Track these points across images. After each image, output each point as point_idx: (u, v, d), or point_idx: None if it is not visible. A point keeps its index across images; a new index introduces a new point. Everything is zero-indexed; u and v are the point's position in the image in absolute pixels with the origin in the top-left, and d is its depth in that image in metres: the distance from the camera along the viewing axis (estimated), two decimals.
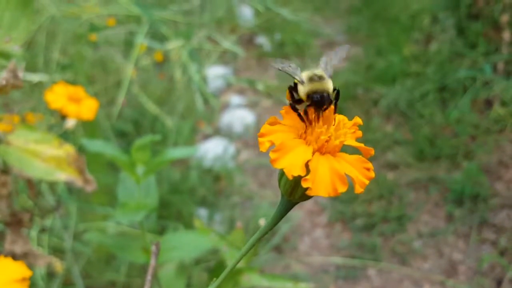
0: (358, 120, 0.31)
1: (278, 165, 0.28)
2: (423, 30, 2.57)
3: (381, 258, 1.74)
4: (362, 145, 0.31)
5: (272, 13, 2.56)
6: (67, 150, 0.43)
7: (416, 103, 2.27)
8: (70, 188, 1.11)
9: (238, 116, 2.29)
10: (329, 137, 0.28)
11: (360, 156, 0.30)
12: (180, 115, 1.92)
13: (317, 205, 1.99)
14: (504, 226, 1.82)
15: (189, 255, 0.48)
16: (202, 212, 1.70)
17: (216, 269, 0.47)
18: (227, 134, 2.23)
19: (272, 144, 0.28)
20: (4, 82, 0.41)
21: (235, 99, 2.45)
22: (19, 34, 0.43)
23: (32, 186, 0.47)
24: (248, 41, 2.78)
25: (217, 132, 2.26)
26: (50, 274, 1.14)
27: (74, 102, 0.54)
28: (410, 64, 2.47)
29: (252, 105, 2.46)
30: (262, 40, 2.77)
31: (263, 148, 0.28)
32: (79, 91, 0.55)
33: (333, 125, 0.30)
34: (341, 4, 3.77)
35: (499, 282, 1.65)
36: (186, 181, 1.74)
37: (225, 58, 2.72)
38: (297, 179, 0.28)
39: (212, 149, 2.03)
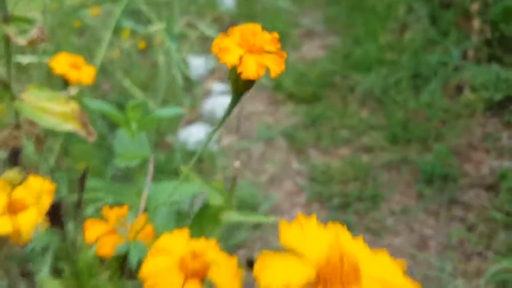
0: (275, 34, 0.44)
1: (222, 60, 0.41)
2: (398, 20, 2.66)
3: (356, 234, 1.84)
4: (277, 49, 0.44)
5: (252, 1, 2.63)
6: (73, 107, 0.50)
7: (391, 89, 2.37)
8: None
9: (220, 102, 2.36)
10: (254, 43, 0.41)
11: (276, 55, 0.44)
12: (163, 100, 1.99)
13: (296, 187, 2.07)
14: (472, 204, 1.93)
15: (177, 198, 0.55)
16: None
17: (201, 209, 0.54)
18: (209, 120, 2.30)
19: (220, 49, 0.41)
20: (35, 36, 0.50)
21: (217, 86, 2.53)
22: (36, 4, 0.51)
23: (40, 141, 0.53)
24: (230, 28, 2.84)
25: (200, 117, 2.33)
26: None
27: (75, 69, 0.61)
28: (385, 52, 2.57)
29: None
30: None
31: (213, 50, 0.41)
32: (79, 59, 0.63)
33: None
34: None
35: (467, 256, 1.76)
36: (170, 162, 1.81)
37: (206, 46, 2.78)
38: (238, 72, 0.38)
39: (195, 134, 2.11)
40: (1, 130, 0.53)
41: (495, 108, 2.24)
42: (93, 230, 0.37)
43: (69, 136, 1.09)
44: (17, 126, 0.51)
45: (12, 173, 0.43)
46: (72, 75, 0.61)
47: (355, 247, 0.24)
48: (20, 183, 0.36)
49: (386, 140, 2.18)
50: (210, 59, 2.64)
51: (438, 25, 2.45)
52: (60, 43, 1.70)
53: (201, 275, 0.31)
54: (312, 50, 2.87)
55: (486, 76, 2.19)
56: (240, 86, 0.45)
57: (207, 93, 2.47)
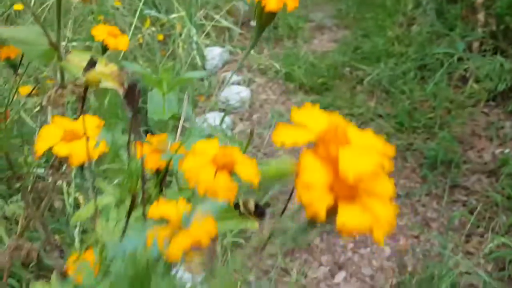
0: None
1: None
2: (406, 14, 2.75)
3: None
4: None
5: None
6: (112, 68, 0.60)
7: (398, 80, 2.46)
8: None
9: (235, 92, 2.47)
10: None
11: None
12: (180, 88, 2.10)
13: None
14: (475, 189, 2.01)
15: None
16: None
17: None
18: (224, 108, 2.41)
19: None
20: None
21: (232, 76, 2.64)
22: None
23: (83, 100, 0.64)
24: (244, 23, 2.95)
25: (215, 106, 2.45)
26: None
27: (113, 37, 0.72)
28: (393, 45, 2.66)
29: (247, 82, 2.65)
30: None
31: None
32: (115, 29, 0.74)
33: None
34: None
35: (468, 237, 1.85)
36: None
37: (222, 39, 2.90)
38: (262, 6, 0.49)
39: (210, 121, 2.22)
40: (49, 89, 0.64)
41: (499, 98, 2.32)
42: (139, 149, 0.47)
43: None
44: (63, 86, 0.62)
45: (108, 68, 0.54)
46: (110, 42, 0.72)
47: (347, 125, 0.34)
48: (97, 85, 0.45)
49: (392, 128, 2.27)
50: (225, 51, 2.76)
51: (445, 18, 2.54)
52: (86, 34, 1.82)
53: (229, 168, 0.41)
54: (323, 43, 2.97)
55: (490, 67, 2.27)
56: (264, 19, 0.54)
57: (222, 83, 2.59)
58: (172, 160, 0.46)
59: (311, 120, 0.33)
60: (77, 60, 0.61)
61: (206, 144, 0.42)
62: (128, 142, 0.40)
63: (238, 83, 2.62)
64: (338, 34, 3.05)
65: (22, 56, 0.70)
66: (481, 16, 2.34)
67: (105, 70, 0.60)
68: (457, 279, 1.65)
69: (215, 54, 2.70)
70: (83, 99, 0.39)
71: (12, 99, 0.69)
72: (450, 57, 2.39)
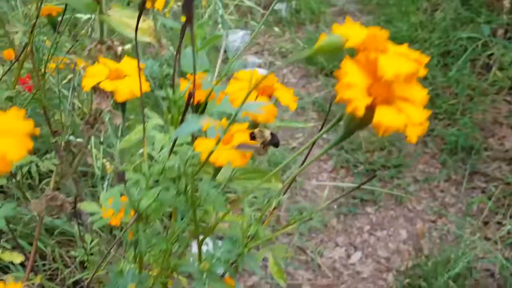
0: None
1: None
2: (430, 0, 2.72)
3: (380, 199, 1.94)
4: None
5: None
6: (149, 24, 0.62)
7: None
8: None
9: None
10: None
11: None
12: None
13: (324, 154, 2.18)
14: (494, 176, 2.00)
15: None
16: None
17: None
18: None
19: None
20: None
21: (252, 59, 2.65)
22: None
23: (118, 57, 0.66)
24: (266, 7, 2.95)
25: None
26: None
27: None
28: (416, 30, 2.64)
29: (268, 65, 2.65)
30: (280, 6, 2.95)
31: None
32: None
33: None
34: None
35: (485, 223, 1.84)
36: None
37: (242, 22, 2.90)
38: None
39: None
40: (89, 44, 0.67)
41: None
42: (182, 82, 0.49)
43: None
44: (102, 42, 0.65)
45: (146, 24, 0.56)
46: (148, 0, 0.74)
47: (385, 35, 0.36)
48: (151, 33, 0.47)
49: None
50: (247, 34, 2.76)
51: (469, 5, 2.50)
52: None
53: (269, 93, 0.43)
54: None
55: None
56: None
57: (243, 65, 2.60)
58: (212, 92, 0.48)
59: (351, 32, 0.35)
60: (117, 15, 0.63)
61: (248, 72, 0.44)
62: (175, 63, 0.42)
63: (259, 66, 2.63)
64: (361, 20, 3.03)
65: (64, 12, 0.72)
66: (506, 3, 2.31)
67: (143, 25, 0.62)
68: (474, 263, 1.65)
69: (236, 36, 2.71)
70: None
71: (52, 57, 0.71)
72: (474, 42, 2.36)
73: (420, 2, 2.78)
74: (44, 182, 1.36)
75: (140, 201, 0.38)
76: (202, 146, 0.42)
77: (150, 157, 0.42)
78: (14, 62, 0.68)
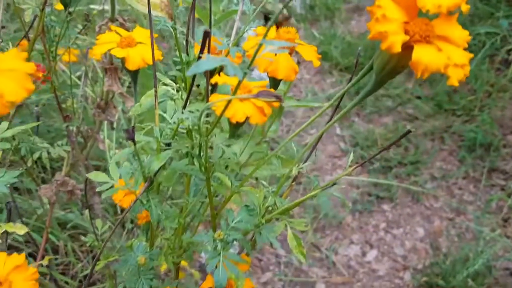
0: None
1: None
2: None
3: (396, 196, 1.90)
4: None
5: None
6: None
7: None
8: None
9: None
10: None
11: None
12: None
13: (339, 150, 2.15)
14: None
15: None
16: None
17: None
18: None
19: None
20: None
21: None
22: None
23: (127, 30, 0.65)
24: (281, 2, 2.93)
25: None
26: None
27: None
28: None
29: None
30: (295, 2, 2.93)
31: None
32: None
33: None
34: None
35: (505, 220, 1.80)
36: None
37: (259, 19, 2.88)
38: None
39: None
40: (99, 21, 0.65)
41: None
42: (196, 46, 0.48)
43: None
44: (112, 19, 0.63)
45: None
46: None
47: None
48: None
49: (431, 109, 2.22)
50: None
51: (488, 0, 2.46)
52: None
53: (290, 49, 0.41)
54: (360, 24, 2.92)
55: None
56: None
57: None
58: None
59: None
60: None
61: (265, 28, 0.42)
62: (187, 29, 0.40)
63: None
64: None
65: None
66: None
67: (155, 1, 0.61)
68: (493, 261, 1.61)
69: (250, 33, 2.69)
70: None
71: (63, 36, 0.69)
72: (493, 37, 2.32)
73: None
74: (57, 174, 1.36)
75: (151, 165, 0.36)
76: (218, 99, 0.40)
77: (163, 122, 0.40)
78: (23, 37, 0.66)
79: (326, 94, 2.40)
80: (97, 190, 0.43)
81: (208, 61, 0.30)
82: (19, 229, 0.46)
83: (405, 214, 1.85)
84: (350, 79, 0.57)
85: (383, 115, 2.28)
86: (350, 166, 0.53)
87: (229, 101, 0.38)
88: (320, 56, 0.46)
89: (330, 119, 0.52)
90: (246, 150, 0.53)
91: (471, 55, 0.31)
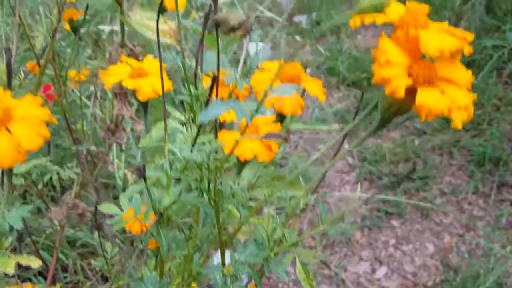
0: None
1: None
2: (454, 10, 2.68)
3: (405, 212, 1.89)
4: None
5: None
6: (170, 25, 0.61)
7: None
8: None
9: None
10: None
11: None
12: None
13: (346, 166, 2.15)
14: None
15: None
16: None
17: None
18: None
19: None
20: None
21: None
22: None
23: (137, 58, 0.66)
24: (287, 19, 2.95)
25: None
26: None
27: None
28: None
29: None
30: (301, 18, 2.95)
31: None
32: None
33: None
34: None
35: None
36: None
37: (263, 35, 2.90)
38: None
39: None
40: (111, 46, 0.66)
41: None
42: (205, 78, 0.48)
43: None
44: (122, 45, 0.64)
45: (167, 25, 0.56)
46: (169, 2, 0.74)
47: (425, 10, 0.34)
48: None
49: (438, 124, 2.21)
50: (266, 47, 2.76)
51: (494, 13, 2.46)
52: None
53: (296, 80, 0.42)
54: (367, 38, 2.93)
55: None
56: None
57: None
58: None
59: (393, 10, 0.33)
60: (138, 17, 0.63)
61: (271, 64, 0.42)
62: (196, 62, 0.40)
63: None
64: (384, 30, 3.00)
65: (84, 19, 0.71)
66: None
67: (163, 27, 0.62)
68: (504, 278, 1.59)
69: (256, 48, 2.71)
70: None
71: (73, 61, 0.71)
72: (500, 50, 2.31)
73: (443, 12, 2.74)
74: (66, 194, 1.37)
75: (161, 200, 0.37)
76: (226, 138, 0.41)
77: (172, 155, 0.41)
78: (36, 64, 0.67)
79: (333, 109, 2.40)
80: (107, 222, 0.43)
81: (217, 107, 0.31)
82: (33, 262, 0.47)
83: (415, 230, 1.83)
84: (357, 111, 0.57)
85: (391, 130, 2.27)
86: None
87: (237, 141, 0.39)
88: (325, 91, 0.46)
89: (354, 116, 0.52)
90: (254, 173, 0.53)
91: (475, 95, 0.32)
